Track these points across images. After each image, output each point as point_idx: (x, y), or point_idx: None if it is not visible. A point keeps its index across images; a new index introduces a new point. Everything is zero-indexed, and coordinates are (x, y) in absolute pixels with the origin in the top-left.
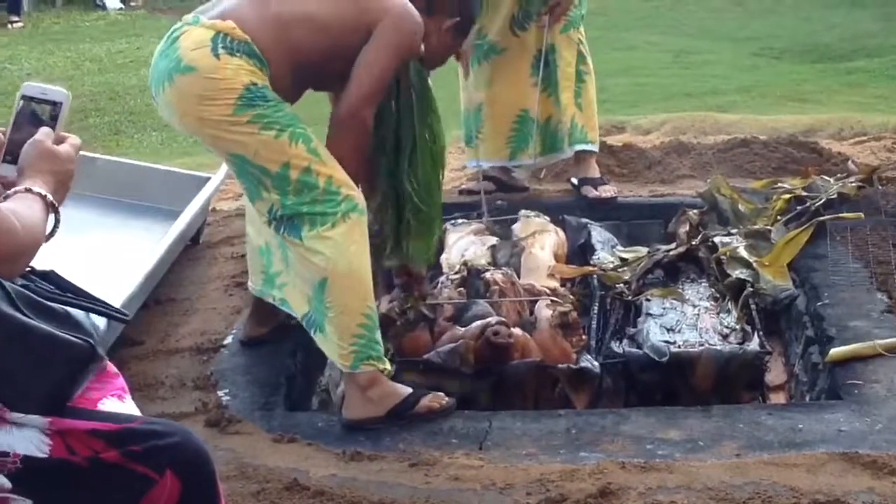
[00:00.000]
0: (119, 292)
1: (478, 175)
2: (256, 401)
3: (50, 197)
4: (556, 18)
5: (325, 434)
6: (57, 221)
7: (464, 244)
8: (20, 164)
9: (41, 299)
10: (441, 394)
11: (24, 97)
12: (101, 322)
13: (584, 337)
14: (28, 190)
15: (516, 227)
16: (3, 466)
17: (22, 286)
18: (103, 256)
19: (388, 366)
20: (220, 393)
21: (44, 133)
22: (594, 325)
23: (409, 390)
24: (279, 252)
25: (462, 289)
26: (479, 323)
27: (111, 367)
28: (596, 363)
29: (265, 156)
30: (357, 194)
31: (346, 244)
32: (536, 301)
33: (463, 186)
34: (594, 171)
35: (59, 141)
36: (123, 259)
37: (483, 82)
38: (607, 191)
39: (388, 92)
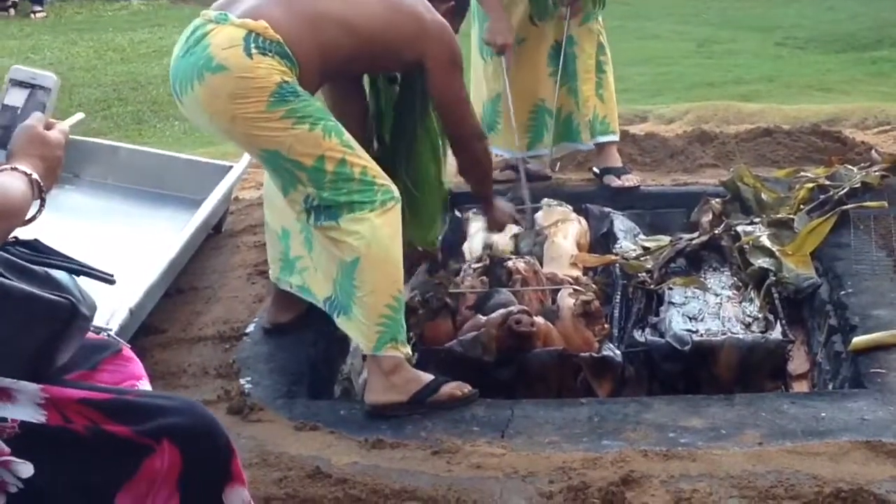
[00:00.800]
0: (142, 280)
1: (503, 163)
2: (279, 389)
3: (35, 175)
4: (575, 11)
5: (347, 422)
6: (42, 203)
7: (486, 233)
8: (10, 147)
9: (21, 261)
10: (463, 383)
11: (12, 81)
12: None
13: (606, 326)
14: (14, 169)
15: (539, 215)
16: (1, 431)
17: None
18: (126, 245)
19: (409, 350)
20: (242, 381)
21: (35, 118)
22: (616, 314)
23: (432, 377)
24: (301, 236)
25: (484, 277)
26: (501, 311)
27: (127, 351)
28: (618, 352)
29: (300, 150)
30: (391, 184)
31: (383, 227)
32: (559, 290)
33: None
34: (616, 161)
35: (49, 127)
36: (146, 248)
37: (501, 72)
38: (630, 180)
39: (391, 81)
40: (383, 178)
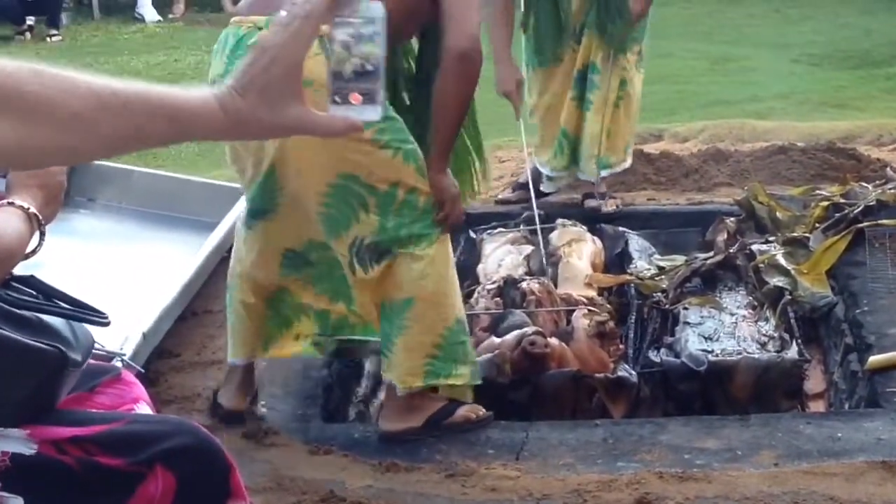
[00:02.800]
0: (156, 304)
1: (515, 184)
2: (293, 412)
3: (33, 209)
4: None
5: (362, 445)
6: (42, 236)
7: (500, 254)
8: (8, 178)
9: (12, 308)
10: (477, 405)
11: None
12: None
13: (621, 346)
14: (10, 203)
15: (553, 235)
16: None
17: None
18: (140, 268)
19: (461, 382)
20: (256, 405)
21: None
22: (631, 335)
23: (446, 400)
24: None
25: (498, 299)
26: (515, 333)
27: (127, 376)
28: (633, 372)
29: (378, 175)
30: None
31: (439, 260)
32: (573, 311)
33: (499, 196)
34: (601, 186)
35: None
36: (160, 271)
37: (535, 90)
38: (610, 204)
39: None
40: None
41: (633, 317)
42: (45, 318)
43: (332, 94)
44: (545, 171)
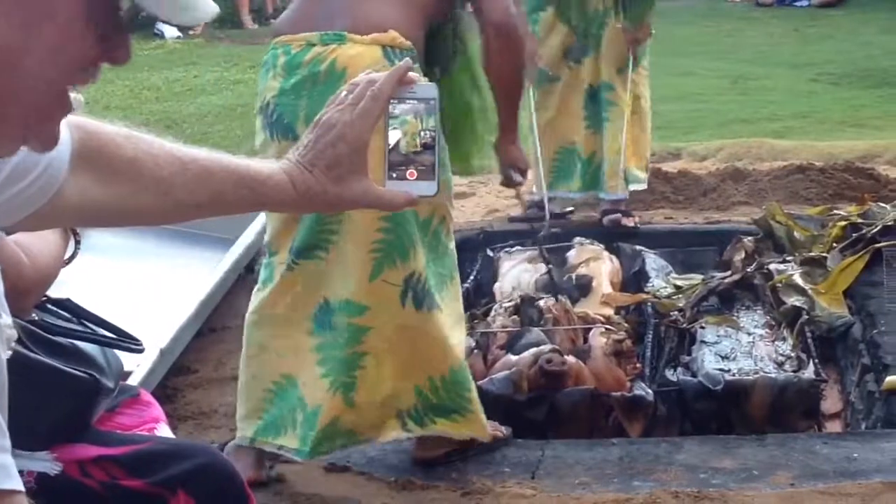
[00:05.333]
0: (173, 320)
1: (529, 202)
2: None
3: None
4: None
5: (378, 463)
6: (77, 244)
7: (517, 272)
8: None
9: (48, 334)
10: (497, 423)
11: None
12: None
13: (638, 365)
14: None
15: (570, 254)
16: None
17: (29, 321)
18: (159, 284)
19: None
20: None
21: None
22: (648, 353)
23: None
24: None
25: (515, 317)
26: (532, 350)
27: (145, 396)
28: (650, 391)
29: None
30: (453, 244)
31: (458, 303)
32: (590, 329)
33: (512, 214)
34: (621, 205)
35: None
36: (178, 287)
37: (533, 108)
38: (629, 221)
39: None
40: (453, 239)
41: (651, 335)
42: (80, 344)
43: (389, 170)
44: (556, 194)
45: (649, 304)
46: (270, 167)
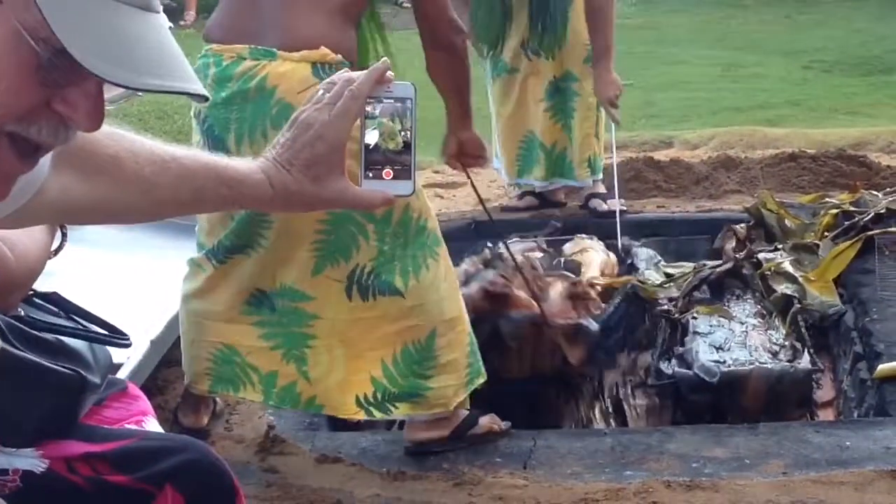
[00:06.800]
0: (164, 311)
1: (521, 191)
2: (301, 421)
3: None
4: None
5: (369, 454)
6: (64, 236)
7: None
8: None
9: (33, 330)
10: (496, 416)
11: None
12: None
13: (594, 309)
14: None
15: (567, 246)
16: (3, 486)
17: (14, 317)
18: (149, 275)
19: (482, 378)
20: (265, 413)
21: None
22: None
23: (466, 410)
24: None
25: (481, 265)
26: (479, 278)
27: (133, 389)
28: (595, 324)
29: None
30: (435, 223)
31: (439, 283)
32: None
33: (505, 203)
34: (601, 188)
35: None
36: (169, 278)
37: (496, 99)
38: (615, 204)
39: None
40: (433, 219)
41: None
42: (66, 339)
43: (366, 169)
44: (517, 181)
45: (629, 286)
46: (248, 166)
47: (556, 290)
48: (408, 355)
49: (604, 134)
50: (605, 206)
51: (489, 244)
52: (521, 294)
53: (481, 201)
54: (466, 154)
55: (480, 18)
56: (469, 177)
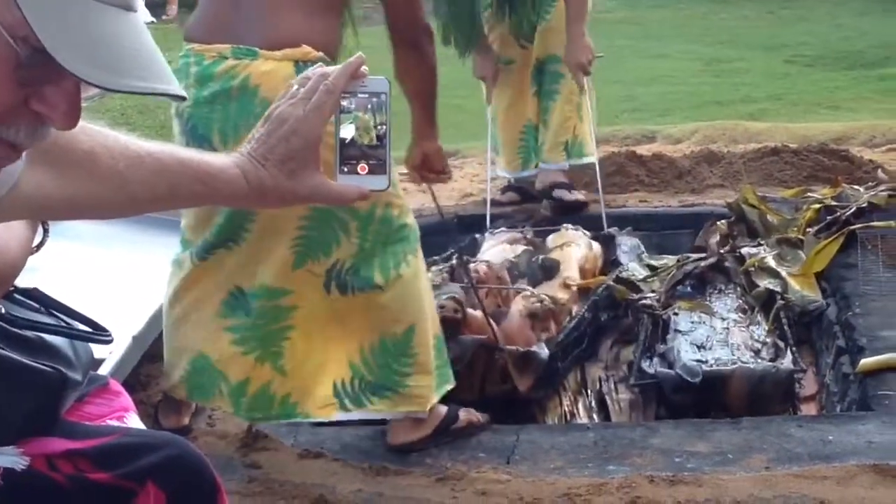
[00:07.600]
0: (146, 307)
1: (505, 185)
2: None
3: None
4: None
5: (352, 449)
6: (45, 231)
7: (494, 252)
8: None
9: (13, 328)
10: (474, 410)
11: None
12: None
13: (554, 329)
14: None
15: (550, 238)
16: None
17: None
18: (132, 271)
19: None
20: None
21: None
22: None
23: (446, 407)
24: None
25: (446, 276)
26: (442, 293)
27: (114, 385)
28: (545, 349)
29: None
30: (413, 220)
31: (418, 280)
32: (515, 292)
33: (490, 197)
34: (563, 178)
35: None
36: (152, 274)
37: (495, 94)
38: (578, 194)
39: None
40: (410, 216)
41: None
42: (47, 336)
43: (341, 164)
44: (516, 174)
45: (602, 287)
46: (223, 161)
47: (518, 306)
48: (385, 347)
49: (588, 121)
50: (570, 196)
51: (476, 235)
52: (477, 314)
53: (440, 210)
54: (429, 169)
55: (445, 15)
56: (430, 189)
